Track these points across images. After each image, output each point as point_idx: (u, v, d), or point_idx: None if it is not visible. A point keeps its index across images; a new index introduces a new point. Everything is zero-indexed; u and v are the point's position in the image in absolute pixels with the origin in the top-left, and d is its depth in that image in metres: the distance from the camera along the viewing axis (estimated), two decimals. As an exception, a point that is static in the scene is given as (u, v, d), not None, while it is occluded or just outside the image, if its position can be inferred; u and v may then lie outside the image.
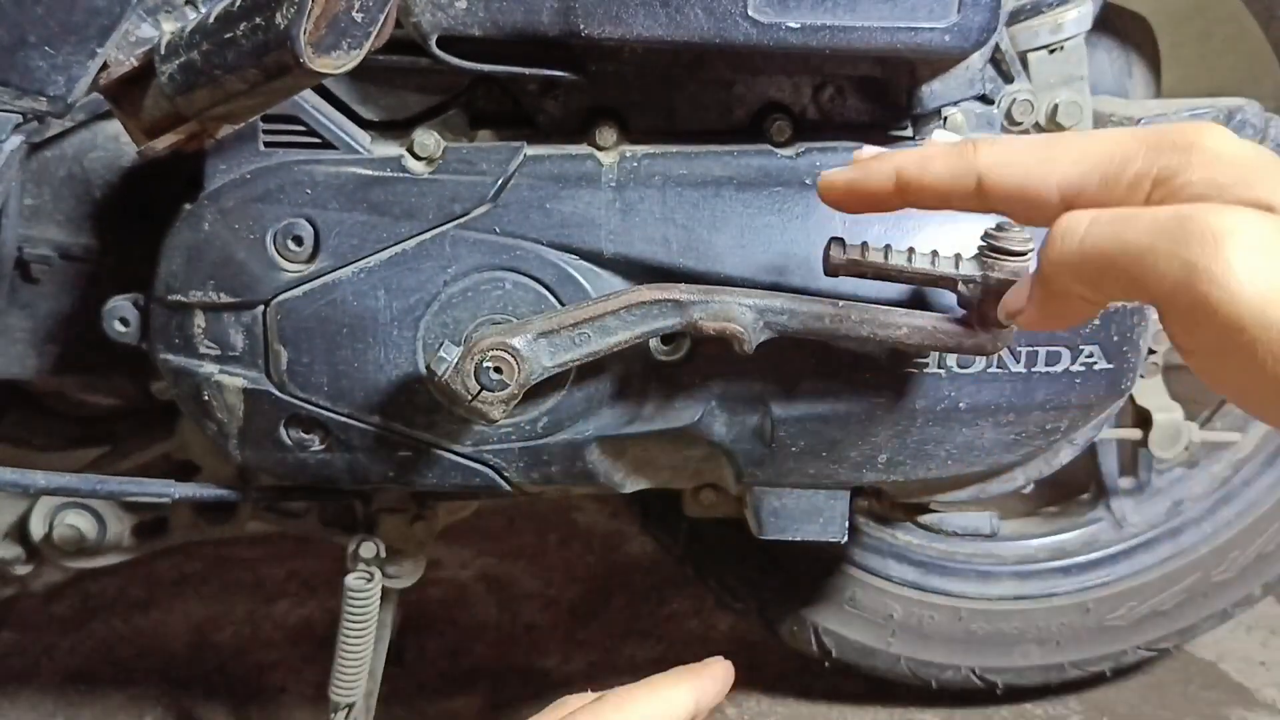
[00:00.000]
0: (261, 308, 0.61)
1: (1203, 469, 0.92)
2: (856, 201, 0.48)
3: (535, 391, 0.60)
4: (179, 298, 0.61)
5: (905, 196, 0.45)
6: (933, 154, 0.44)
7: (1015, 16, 0.68)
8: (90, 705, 0.97)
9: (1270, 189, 0.35)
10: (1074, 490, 0.95)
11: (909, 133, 0.64)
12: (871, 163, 0.46)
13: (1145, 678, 0.99)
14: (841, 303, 0.57)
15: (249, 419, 0.63)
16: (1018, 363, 0.62)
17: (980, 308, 0.55)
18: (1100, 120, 0.70)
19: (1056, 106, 0.68)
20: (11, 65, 0.51)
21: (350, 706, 0.74)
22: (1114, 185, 0.38)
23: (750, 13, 0.56)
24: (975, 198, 0.42)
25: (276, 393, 0.62)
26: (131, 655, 1.04)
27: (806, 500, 0.68)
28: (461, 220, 0.61)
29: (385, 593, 0.75)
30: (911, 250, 0.55)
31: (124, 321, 0.64)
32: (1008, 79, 0.67)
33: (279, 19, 0.47)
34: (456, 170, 0.61)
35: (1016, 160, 0.41)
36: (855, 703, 0.96)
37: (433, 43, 0.58)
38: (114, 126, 0.66)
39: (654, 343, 0.61)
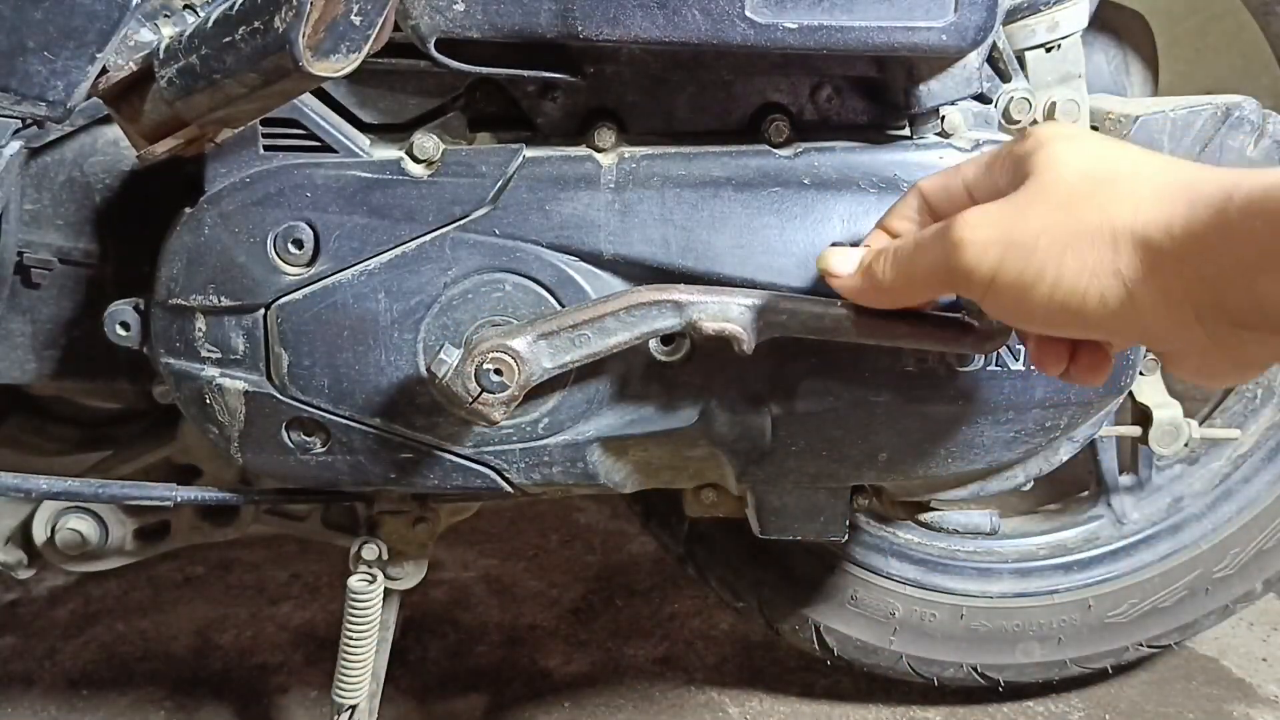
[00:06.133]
0: (262, 311, 0.61)
1: (1203, 465, 0.92)
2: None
3: (536, 393, 0.60)
4: (180, 301, 0.61)
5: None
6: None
7: (1012, 15, 0.68)
8: (93, 709, 0.97)
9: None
10: (1074, 487, 0.96)
11: (906, 132, 0.64)
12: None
13: (1147, 674, 1.00)
14: (841, 303, 0.57)
15: (250, 422, 0.63)
16: (1017, 361, 0.63)
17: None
18: (1098, 118, 0.70)
19: (1054, 105, 0.68)
20: (11, 71, 0.51)
21: (354, 708, 0.75)
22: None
23: (747, 13, 0.56)
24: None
25: (278, 395, 0.63)
26: (134, 658, 1.05)
27: (807, 499, 0.68)
28: (461, 222, 0.61)
29: (388, 594, 0.75)
30: (910, 249, 0.55)
31: (125, 325, 0.64)
32: (1005, 78, 0.67)
33: (278, 23, 0.47)
34: (456, 173, 0.61)
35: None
36: (857, 701, 0.96)
37: (431, 45, 0.58)
38: (113, 131, 0.66)
39: (654, 343, 0.61)
